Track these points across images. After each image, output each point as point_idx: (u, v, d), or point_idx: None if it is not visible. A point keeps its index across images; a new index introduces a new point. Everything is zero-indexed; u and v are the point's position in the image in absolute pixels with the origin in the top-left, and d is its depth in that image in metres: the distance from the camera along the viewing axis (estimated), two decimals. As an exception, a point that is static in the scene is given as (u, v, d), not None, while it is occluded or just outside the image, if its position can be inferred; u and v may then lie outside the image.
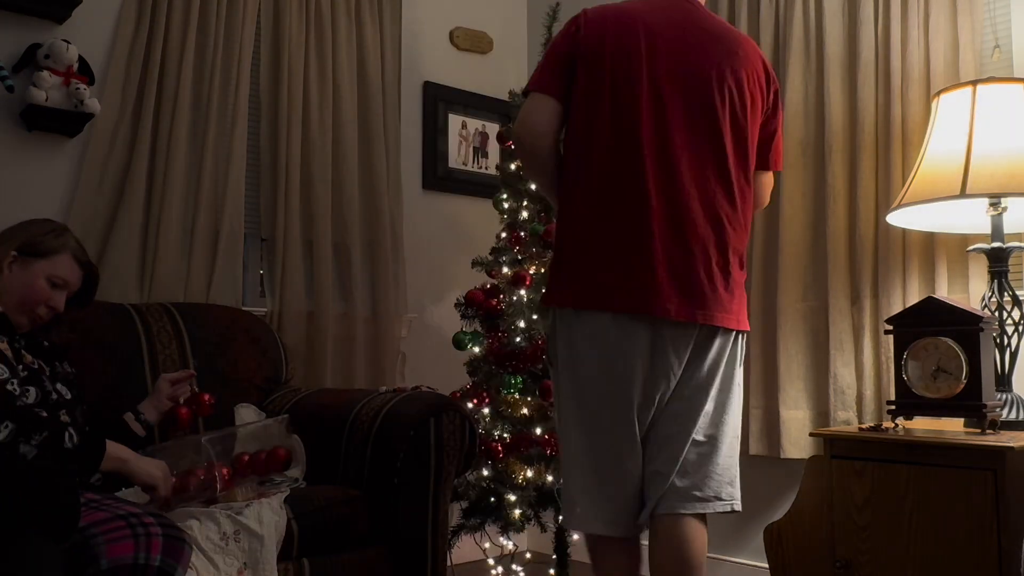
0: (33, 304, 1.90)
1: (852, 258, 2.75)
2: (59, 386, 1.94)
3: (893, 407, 2.22)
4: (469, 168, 3.78)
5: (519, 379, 2.79)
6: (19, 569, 1.40)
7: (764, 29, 3.02)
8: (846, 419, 2.68)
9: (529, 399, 2.76)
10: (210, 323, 2.63)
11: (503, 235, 3.01)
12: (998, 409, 2.14)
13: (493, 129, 3.75)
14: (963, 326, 2.10)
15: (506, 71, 3.94)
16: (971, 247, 2.36)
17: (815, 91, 2.90)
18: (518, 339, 2.81)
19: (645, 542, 1.86)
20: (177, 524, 1.65)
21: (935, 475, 1.99)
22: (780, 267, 2.88)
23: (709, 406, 1.84)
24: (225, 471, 1.98)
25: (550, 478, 2.69)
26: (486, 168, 3.80)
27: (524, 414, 2.75)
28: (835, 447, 2.19)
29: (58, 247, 1.94)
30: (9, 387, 1.78)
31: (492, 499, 2.77)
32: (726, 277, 1.83)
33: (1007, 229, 2.29)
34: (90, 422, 2.00)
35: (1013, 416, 2.19)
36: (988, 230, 2.30)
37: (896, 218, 2.45)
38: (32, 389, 1.84)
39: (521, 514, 2.74)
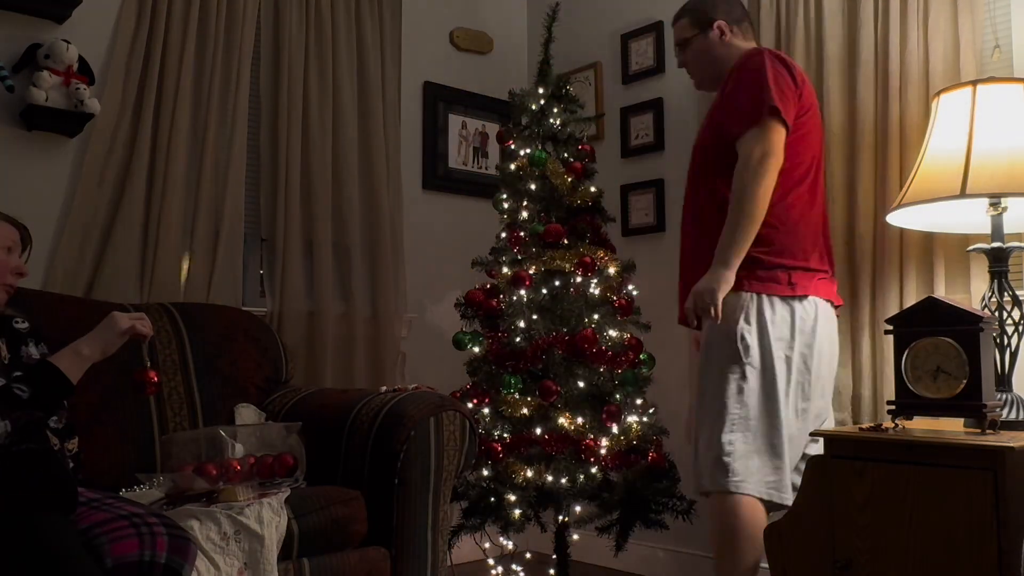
0: (1, 275, 1.94)
1: (851, 258, 2.75)
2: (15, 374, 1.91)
3: (893, 407, 2.22)
4: (469, 168, 3.78)
5: (519, 379, 2.79)
6: (43, 545, 1.42)
7: (764, 30, 3.01)
8: (841, 420, 2.68)
9: (529, 399, 2.76)
10: (210, 323, 2.63)
11: (503, 235, 3.01)
12: (998, 409, 2.14)
13: (493, 129, 3.75)
14: (963, 326, 2.10)
15: (506, 71, 3.94)
16: (971, 247, 2.36)
17: (815, 91, 2.89)
18: (518, 339, 2.81)
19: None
20: (179, 524, 1.66)
21: (935, 475, 1.99)
22: (780, 267, 2.88)
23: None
24: (235, 464, 2.01)
25: (550, 478, 2.69)
26: (486, 168, 3.80)
27: (524, 414, 2.75)
28: (835, 447, 2.19)
29: None
30: None
31: (492, 499, 2.77)
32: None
33: (1007, 229, 2.29)
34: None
35: (1013, 416, 2.19)
36: (988, 230, 2.30)
37: (896, 218, 2.45)
38: None
39: (521, 514, 2.74)
